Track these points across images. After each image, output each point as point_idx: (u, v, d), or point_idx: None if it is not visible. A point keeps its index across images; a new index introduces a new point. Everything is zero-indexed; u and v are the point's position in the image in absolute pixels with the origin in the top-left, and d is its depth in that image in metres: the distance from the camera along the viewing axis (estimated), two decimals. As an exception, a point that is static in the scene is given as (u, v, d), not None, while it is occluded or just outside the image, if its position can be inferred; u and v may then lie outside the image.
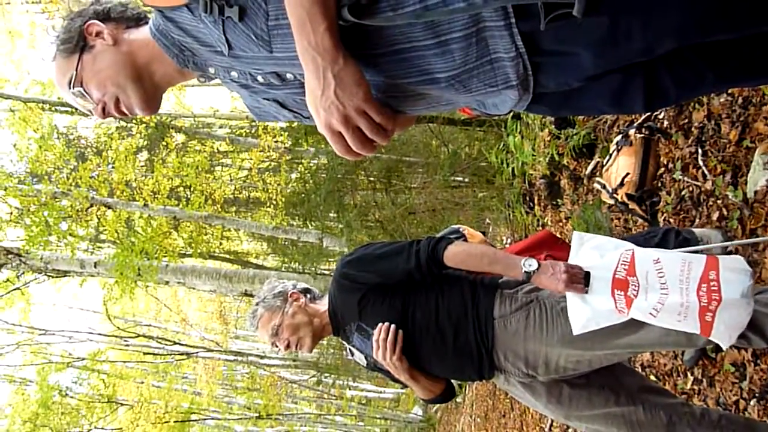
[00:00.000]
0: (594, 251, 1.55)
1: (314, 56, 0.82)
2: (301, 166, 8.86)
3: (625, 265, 1.48)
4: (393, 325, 1.54)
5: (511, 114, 4.25)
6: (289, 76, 0.95)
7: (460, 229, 2.56)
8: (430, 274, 1.50)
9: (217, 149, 10.74)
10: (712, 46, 0.89)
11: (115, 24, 1.03)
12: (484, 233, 2.76)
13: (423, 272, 1.49)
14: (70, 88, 1.02)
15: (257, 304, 1.70)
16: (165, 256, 8.72)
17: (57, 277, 8.66)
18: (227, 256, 12.83)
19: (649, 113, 3.21)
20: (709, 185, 2.64)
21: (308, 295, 1.72)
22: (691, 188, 2.80)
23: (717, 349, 2.40)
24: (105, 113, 1.04)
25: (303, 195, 7.15)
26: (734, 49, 0.90)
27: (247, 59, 0.93)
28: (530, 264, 1.43)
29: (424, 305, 1.55)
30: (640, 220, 3.27)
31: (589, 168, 3.89)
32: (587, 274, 1.45)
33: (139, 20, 1.05)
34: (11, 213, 9.12)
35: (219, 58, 0.96)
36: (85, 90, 1.02)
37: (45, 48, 1.08)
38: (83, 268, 7.97)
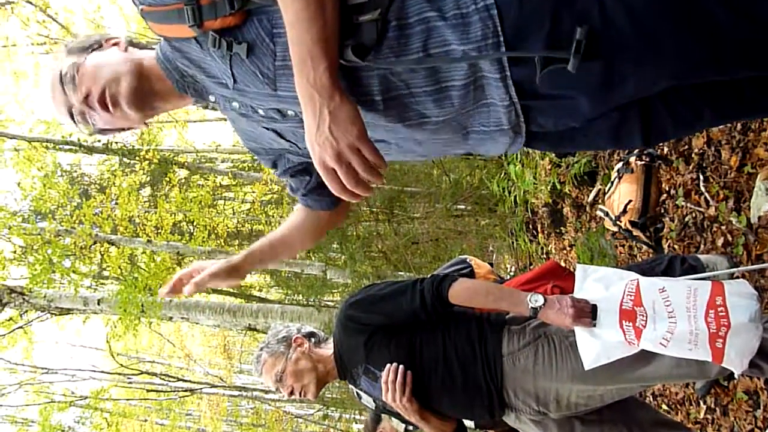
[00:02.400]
0: (599, 283, 1.54)
1: (312, 93, 0.84)
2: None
3: (631, 295, 1.47)
4: (401, 366, 1.52)
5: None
6: (290, 113, 0.97)
7: (467, 260, 2.55)
8: (436, 313, 1.49)
9: (220, 183, 10.79)
10: (708, 84, 0.90)
11: (133, 46, 1.10)
12: (491, 264, 2.75)
13: (428, 311, 1.48)
14: (62, 72, 1.02)
15: (261, 350, 1.69)
16: (168, 292, 8.68)
17: (60, 314, 8.62)
18: (230, 290, 12.78)
19: (648, 140, 3.23)
20: (712, 211, 2.63)
21: (313, 340, 1.70)
22: (694, 214, 2.79)
23: (729, 377, 2.37)
24: (87, 101, 1.02)
25: (306, 227, 7.14)
26: (730, 87, 0.91)
27: (251, 94, 0.95)
28: (536, 299, 1.42)
29: (432, 345, 1.53)
30: (645, 247, 3.26)
31: (591, 195, 3.89)
32: (594, 307, 1.44)
33: (147, 48, 1.11)
34: (15, 251, 9.13)
35: (222, 89, 0.98)
36: (77, 77, 1.01)
37: (55, 52, 1.12)
38: (87, 306, 7.95)
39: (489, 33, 0.84)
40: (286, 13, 0.83)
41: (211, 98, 1.02)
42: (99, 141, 9.38)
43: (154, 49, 1.08)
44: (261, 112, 0.99)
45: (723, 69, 0.85)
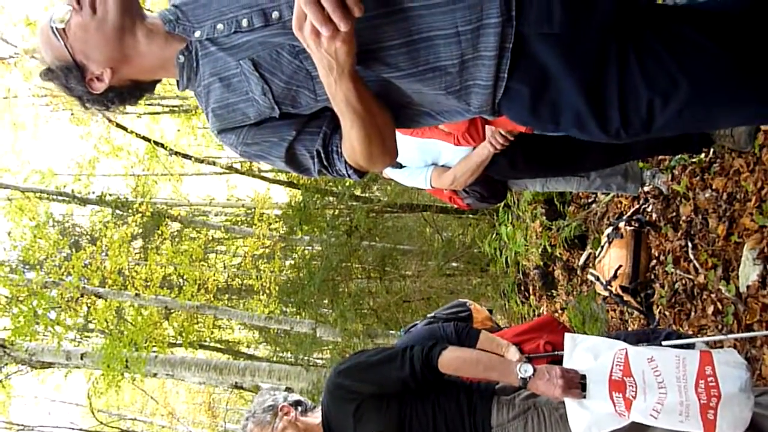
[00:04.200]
0: (588, 353, 1.53)
1: None
2: (295, 253, 8.87)
3: (620, 365, 1.46)
4: None
5: (503, 204, 4.33)
6: (275, 15, 0.96)
7: (467, 304, 2.53)
8: (426, 382, 1.47)
9: (212, 237, 10.78)
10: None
11: None
12: (490, 311, 2.73)
13: (418, 380, 1.46)
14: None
15: (247, 419, 1.65)
16: (154, 347, 8.51)
17: (41, 368, 8.40)
18: (218, 346, 12.54)
19: (636, 206, 3.28)
20: (701, 279, 2.65)
21: (299, 408, 1.67)
22: (684, 281, 2.80)
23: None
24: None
25: (297, 283, 7.11)
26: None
27: None
28: (526, 370, 1.40)
29: (421, 414, 1.50)
30: (636, 313, 3.25)
31: (582, 259, 3.91)
32: (584, 378, 1.42)
33: None
34: (-1, 302, 8.98)
35: (211, 10, 1.00)
36: None
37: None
38: (69, 360, 7.76)
39: None
40: None
41: (197, 33, 1.02)
42: (93, 193, 9.42)
43: None
44: (244, 22, 0.98)
45: None
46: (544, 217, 4.12)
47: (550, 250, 4.15)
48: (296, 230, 7.56)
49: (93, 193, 9.41)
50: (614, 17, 0.90)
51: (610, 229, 3.33)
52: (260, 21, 0.97)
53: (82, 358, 7.66)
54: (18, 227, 10.33)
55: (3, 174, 10.57)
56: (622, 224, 3.23)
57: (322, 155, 1.08)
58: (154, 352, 7.59)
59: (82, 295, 8.36)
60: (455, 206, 2.68)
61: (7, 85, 10.27)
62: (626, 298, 3.23)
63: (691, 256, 2.71)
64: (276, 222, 9.07)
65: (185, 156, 8.68)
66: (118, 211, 9.32)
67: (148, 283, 8.42)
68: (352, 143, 1.04)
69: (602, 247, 3.37)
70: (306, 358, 7.48)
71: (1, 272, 8.64)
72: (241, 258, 10.87)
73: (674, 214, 2.96)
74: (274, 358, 9.31)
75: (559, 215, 4.08)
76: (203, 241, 9.85)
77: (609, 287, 3.28)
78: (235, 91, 1.05)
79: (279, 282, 9.00)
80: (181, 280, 9.39)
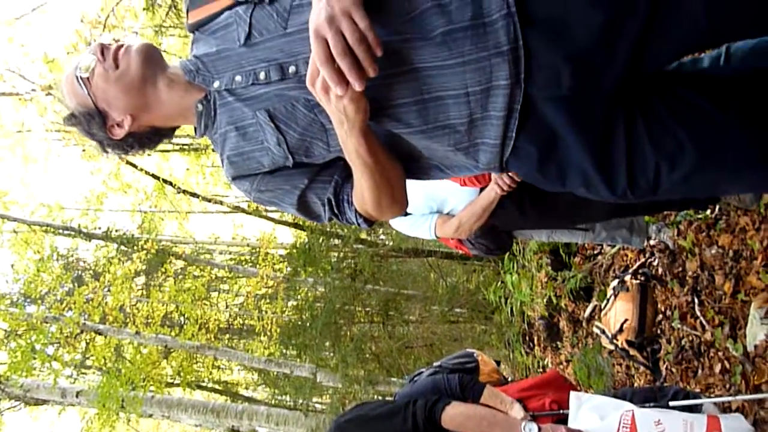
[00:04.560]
0: (593, 413, 1.51)
1: None
2: (298, 295, 8.83)
3: (626, 427, 1.44)
4: None
5: (507, 253, 4.32)
6: (291, 69, 0.99)
7: (474, 354, 2.48)
8: (428, 439, 1.44)
9: (215, 275, 10.75)
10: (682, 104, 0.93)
11: None
12: (497, 362, 2.68)
13: (420, 437, 1.43)
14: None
15: None
16: (151, 386, 8.38)
17: (35, 405, 8.27)
18: (216, 387, 12.33)
19: (643, 258, 3.27)
20: (708, 336, 2.62)
21: None
22: (690, 338, 2.77)
23: None
24: (101, 52, 1.08)
25: (299, 326, 7.04)
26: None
27: (260, 44, 1.00)
28: (530, 429, 1.38)
29: (422, 473, 1.47)
30: (642, 368, 3.20)
31: (587, 311, 3.87)
32: (590, 439, 1.40)
33: None
34: (-2, 336, 8.91)
35: (231, 60, 1.04)
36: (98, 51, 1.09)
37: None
38: (64, 398, 7.63)
39: None
40: None
41: (215, 84, 1.06)
42: (99, 228, 9.46)
43: None
44: (262, 75, 1.01)
45: None
46: (550, 268, 4.11)
47: (555, 301, 4.12)
48: (300, 272, 7.54)
49: (99, 228, 9.45)
50: (622, 82, 0.91)
51: (615, 282, 3.31)
52: (277, 75, 1.00)
53: (77, 396, 7.54)
54: (22, 260, 10.34)
55: (11, 207, 10.66)
56: (628, 277, 3.21)
57: (333, 203, 1.11)
58: (151, 392, 7.47)
59: (81, 332, 8.30)
60: (460, 252, 2.67)
61: (22, 119, 10.48)
62: (632, 352, 3.18)
63: (698, 313, 2.68)
64: (280, 262, 9.05)
65: (193, 194, 8.76)
66: (123, 247, 9.34)
67: (149, 321, 8.36)
68: (362, 193, 1.07)
69: (608, 299, 3.34)
70: (305, 402, 7.35)
71: (2, 305, 8.62)
72: (243, 297, 10.82)
73: (680, 269, 2.95)
74: (273, 402, 9.14)
75: (564, 266, 4.06)
76: (206, 279, 9.82)
77: (615, 341, 3.24)
78: (251, 141, 1.08)
79: (281, 323, 8.92)
80: (182, 319, 9.32)
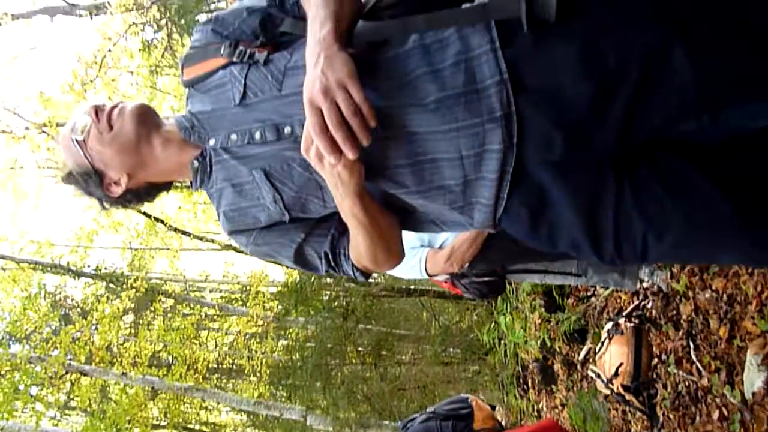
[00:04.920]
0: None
1: (314, 47, 0.89)
2: (289, 334, 8.71)
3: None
4: None
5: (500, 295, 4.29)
6: (287, 130, 0.99)
7: (468, 400, 2.42)
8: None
9: (205, 314, 10.61)
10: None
11: None
12: (492, 407, 2.61)
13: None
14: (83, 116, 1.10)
15: None
16: (136, 428, 8.15)
17: (16, 448, 8.02)
18: (203, 429, 12.03)
19: (637, 301, 3.25)
20: (705, 381, 2.58)
21: None
22: (687, 383, 2.73)
23: None
24: (96, 115, 1.08)
25: (289, 367, 6.92)
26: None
27: (255, 105, 1.00)
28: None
29: None
30: (639, 413, 3.14)
31: (582, 354, 3.83)
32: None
33: None
34: (-20, 376, 8.69)
35: (226, 119, 1.04)
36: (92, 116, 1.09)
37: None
38: (46, 441, 7.40)
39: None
40: (310, 5, 0.94)
41: (211, 142, 1.06)
42: (88, 266, 9.34)
43: None
44: (257, 136, 1.01)
45: (698, 52, 0.84)
46: (543, 309, 4.08)
47: (549, 343, 4.07)
48: (291, 311, 7.45)
49: (88, 266, 9.34)
50: (613, 149, 0.92)
51: (610, 325, 3.28)
52: (273, 135, 1.01)
53: (59, 440, 7.31)
54: (9, 297, 10.17)
55: (1, 243, 10.55)
56: (622, 320, 3.19)
57: (330, 257, 1.13)
58: (136, 433, 7.27)
59: (66, 372, 8.11)
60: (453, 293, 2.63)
61: (14, 156, 10.46)
62: (628, 397, 3.13)
63: (694, 358, 2.65)
64: (271, 301, 8.95)
65: (184, 233, 8.70)
66: (112, 285, 9.22)
67: (137, 361, 8.19)
68: (358, 248, 1.08)
69: (602, 342, 3.31)
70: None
71: (-14, 345, 8.44)
72: (233, 336, 10.65)
73: (675, 312, 2.93)
74: (262, 445, 8.89)
75: (558, 308, 4.03)
76: (196, 318, 9.68)
77: (610, 385, 3.19)
78: (247, 197, 1.09)
79: (271, 363, 8.76)
80: (170, 358, 9.15)
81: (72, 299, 12.18)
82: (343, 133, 0.85)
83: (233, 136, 1.04)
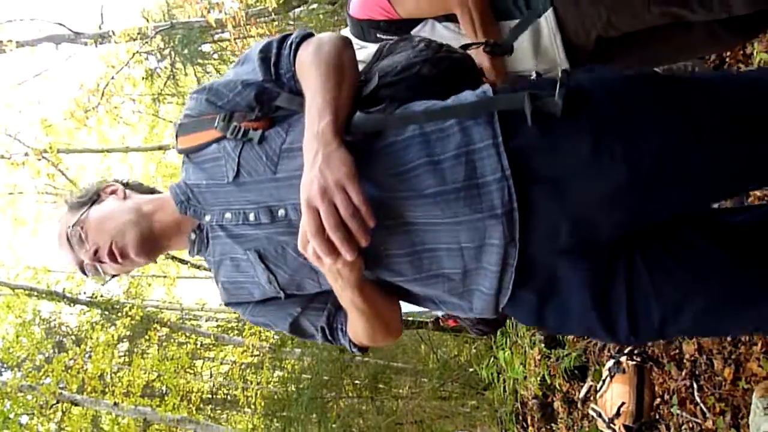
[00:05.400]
0: None
1: (312, 142, 0.86)
2: (285, 366, 8.59)
3: None
4: None
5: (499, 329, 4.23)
6: (281, 213, 0.96)
7: None
8: None
9: (201, 343, 10.48)
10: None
11: (131, 189, 1.14)
12: None
13: None
14: (70, 229, 1.05)
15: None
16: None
17: (3, 479, 7.83)
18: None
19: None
20: (710, 424, 2.51)
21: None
22: (691, 424, 2.66)
23: None
24: (96, 256, 1.04)
25: (284, 399, 6.80)
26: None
27: (249, 185, 0.97)
28: None
29: None
30: (642, 455, 3.06)
31: (583, 392, 3.75)
32: None
33: (152, 192, 1.15)
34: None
35: (220, 196, 1.01)
36: (83, 233, 1.04)
37: (56, 208, 1.15)
38: (33, 473, 7.23)
39: (482, 97, 0.91)
40: (308, 87, 0.93)
41: (207, 218, 1.04)
42: (83, 293, 9.26)
43: (152, 189, 1.16)
44: (251, 217, 0.98)
45: (702, 144, 0.86)
46: (543, 345, 4.01)
47: (549, 380, 4.00)
48: (287, 341, 7.35)
49: (84, 293, 9.26)
50: (622, 233, 0.91)
51: (611, 363, 3.22)
52: (267, 218, 0.98)
53: (47, 472, 7.16)
54: (2, 324, 10.06)
55: (-4, 269, 10.48)
56: (623, 358, 3.12)
57: (327, 332, 1.12)
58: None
59: (57, 402, 7.97)
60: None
61: (14, 181, 10.47)
62: (630, 438, 3.05)
63: (698, 399, 2.59)
64: (267, 331, 8.84)
65: (181, 261, 8.65)
66: (107, 312, 9.13)
67: (129, 390, 8.05)
68: (356, 330, 1.08)
69: (604, 380, 3.24)
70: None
71: (-23, 372, 8.31)
72: (229, 366, 10.50)
73: (677, 351, 2.87)
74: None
75: (558, 343, 3.97)
76: (191, 347, 9.55)
77: (612, 425, 3.11)
78: (243, 273, 1.07)
79: (266, 395, 8.61)
80: (164, 388, 9.00)
81: (67, 326, 12.05)
82: (341, 235, 0.82)
83: (227, 215, 1.02)
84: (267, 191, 0.97)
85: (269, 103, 1.00)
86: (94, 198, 1.10)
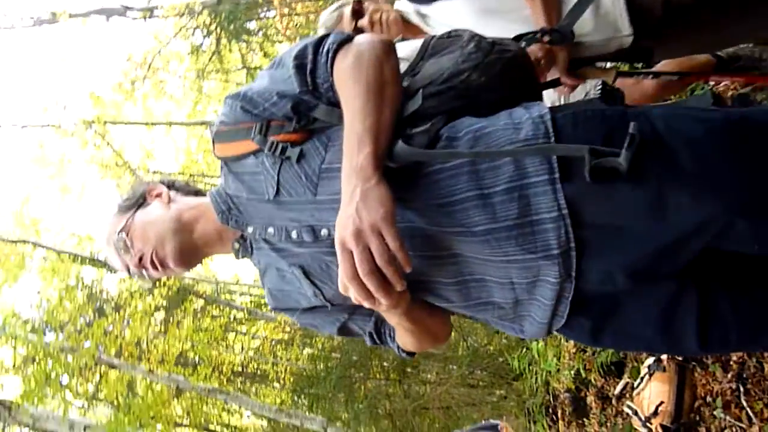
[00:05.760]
0: None
1: (351, 175, 0.82)
2: (315, 344, 8.69)
3: None
4: None
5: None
6: (323, 232, 0.93)
7: (499, 427, 2.30)
8: None
9: (234, 317, 10.68)
10: None
11: (176, 191, 1.14)
12: None
13: None
14: (117, 235, 1.06)
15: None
16: (159, 424, 8.21)
17: (44, 433, 8.18)
18: (224, 431, 12.08)
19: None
20: (755, 430, 2.40)
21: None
22: (735, 429, 2.55)
23: None
24: (141, 263, 1.06)
25: (313, 377, 6.89)
26: None
27: (290, 204, 0.94)
28: None
29: None
30: (678, 457, 2.96)
31: (618, 388, 3.66)
32: None
33: (197, 193, 1.15)
34: (14, 362, 8.93)
35: (262, 211, 0.98)
36: (129, 240, 1.06)
37: (107, 208, 1.18)
38: (72, 430, 7.54)
39: (540, 134, 0.82)
40: (347, 107, 0.88)
41: (249, 229, 1.03)
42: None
43: (197, 190, 1.16)
44: (294, 235, 0.96)
45: None
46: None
47: (583, 374, 3.91)
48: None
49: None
50: (682, 267, 0.86)
51: (651, 360, 3.12)
52: (309, 237, 0.96)
53: (84, 430, 7.45)
54: (49, 287, 10.46)
55: (43, 235, 10.87)
56: (664, 357, 3.02)
57: (375, 336, 1.13)
58: (158, 429, 7.34)
59: (96, 364, 8.25)
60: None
61: (63, 151, 10.79)
62: (667, 439, 2.96)
63: (744, 403, 2.48)
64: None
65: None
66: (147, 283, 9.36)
67: (164, 358, 8.28)
68: (404, 341, 1.08)
69: (642, 378, 3.15)
70: (313, 456, 7.10)
71: (23, 331, 8.67)
72: (260, 341, 10.69)
73: (723, 352, 2.76)
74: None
75: (595, 337, 3.87)
76: (225, 320, 9.76)
77: (648, 424, 3.02)
78: (289, 283, 1.06)
79: (295, 371, 8.74)
80: (197, 358, 9.23)
81: (107, 293, 12.46)
82: (376, 283, 0.79)
83: (270, 230, 1.00)
84: (308, 212, 0.94)
85: (307, 113, 0.96)
86: (140, 201, 1.11)
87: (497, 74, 0.96)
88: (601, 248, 0.82)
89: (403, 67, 1.00)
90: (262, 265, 1.08)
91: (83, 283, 11.13)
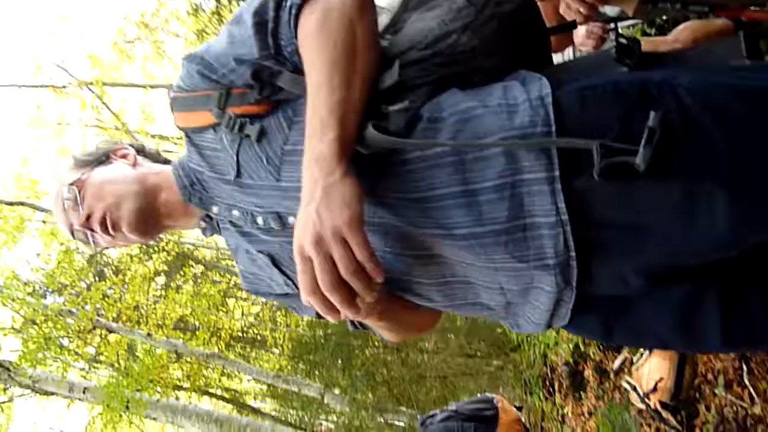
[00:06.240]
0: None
1: (311, 167, 0.69)
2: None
3: None
4: None
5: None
6: (291, 220, 0.82)
7: (495, 401, 2.26)
8: None
9: (234, 282, 10.69)
10: None
11: (143, 155, 1.02)
12: (519, 408, 2.44)
13: None
14: (66, 187, 0.93)
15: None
16: (158, 386, 8.29)
17: (45, 395, 8.26)
18: (224, 395, 12.23)
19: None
20: (757, 410, 2.36)
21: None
22: (735, 408, 2.51)
23: None
24: (87, 223, 0.93)
25: (311, 343, 6.92)
26: None
27: (253, 189, 0.83)
28: None
29: None
30: (675, 433, 2.94)
31: (617, 363, 3.63)
32: None
33: (165, 162, 1.03)
34: (13, 324, 8.97)
35: (225, 191, 0.87)
36: (79, 196, 0.93)
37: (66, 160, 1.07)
38: (71, 392, 7.63)
39: (539, 120, 0.68)
40: (310, 80, 0.74)
41: (214, 209, 0.91)
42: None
43: (166, 160, 1.05)
44: (260, 221, 0.86)
45: None
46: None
47: (582, 348, 3.88)
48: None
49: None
50: (699, 265, 0.75)
51: (652, 336, 3.08)
52: (277, 224, 0.85)
53: (84, 392, 7.53)
54: (48, 249, 10.44)
55: (42, 197, 10.80)
56: (666, 333, 2.98)
57: (356, 323, 1.02)
58: (158, 392, 7.40)
59: (94, 327, 8.28)
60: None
61: (61, 112, 10.64)
62: (665, 415, 2.93)
63: (747, 382, 2.43)
64: (299, 276, 8.95)
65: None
66: (145, 246, 9.35)
67: (164, 323, 8.31)
68: (384, 335, 1.00)
69: (641, 354, 3.11)
70: (311, 420, 7.18)
71: (21, 294, 8.67)
72: (259, 307, 10.73)
73: (727, 329, 2.70)
74: (279, 417, 8.99)
75: (595, 311, 3.83)
76: (225, 286, 9.77)
77: (647, 400, 2.99)
78: (260, 269, 0.96)
79: (294, 338, 8.78)
80: (196, 323, 9.28)
81: (107, 257, 12.46)
82: (340, 297, 0.66)
83: (235, 212, 0.89)
84: (273, 198, 0.82)
85: (270, 81, 0.81)
86: (102, 159, 0.99)
87: (493, 35, 0.80)
88: (613, 250, 0.70)
89: (384, 20, 0.85)
90: (232, 245, 0.98)
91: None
